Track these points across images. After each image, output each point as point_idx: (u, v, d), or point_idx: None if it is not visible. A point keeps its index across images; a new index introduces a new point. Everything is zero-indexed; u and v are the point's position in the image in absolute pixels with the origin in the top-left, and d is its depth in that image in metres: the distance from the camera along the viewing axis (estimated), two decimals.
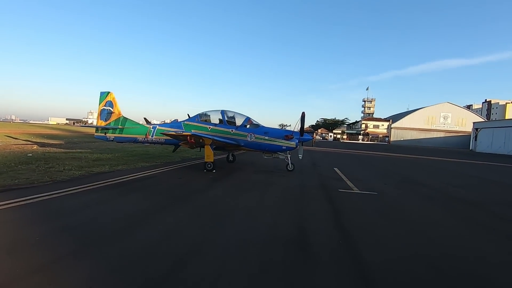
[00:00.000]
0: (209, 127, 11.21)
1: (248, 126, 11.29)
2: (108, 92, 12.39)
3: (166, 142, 11.51)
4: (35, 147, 16.99)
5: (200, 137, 9.41)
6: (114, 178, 7.89)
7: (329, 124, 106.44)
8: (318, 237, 4.21)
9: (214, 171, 10.00)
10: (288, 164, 11.18)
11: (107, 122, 12.33)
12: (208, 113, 11.65)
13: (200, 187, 7.38)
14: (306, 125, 11.27)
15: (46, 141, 22.10)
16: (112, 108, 12.29)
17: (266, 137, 10.83)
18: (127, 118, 12.28)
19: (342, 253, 3.67)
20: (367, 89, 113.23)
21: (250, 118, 11.55)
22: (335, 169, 12.83)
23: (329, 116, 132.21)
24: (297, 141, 10.88)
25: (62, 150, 15.46)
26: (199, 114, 11.60)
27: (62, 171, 8.53)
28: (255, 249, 3.67)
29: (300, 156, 11.14)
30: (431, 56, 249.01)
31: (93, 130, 14.55)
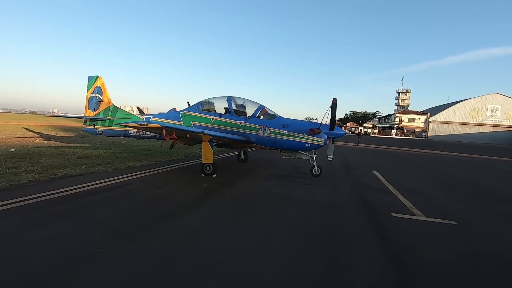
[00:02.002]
0: (212, 118, 8.81)
1: (261, 117, 8.73)
2: (97, 77, 10.41)
3: (161, 137, 9.28)
4: (37, 140, 15.80)
5: (184, 131, 6.92)
6: (71, 186, 5.76)
7: (359, 118, 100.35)
8: None
9: (215, 175, 7.62)
10: (314, 167, 8.50)
11: (96, 112, 10.39)
12: (212, 101, 9.24)
13: (180, 205, 4.99)
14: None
15: (60, 133, 21.17)
16: (101, 96, 10.31)
17: (284, 132, 8.21)
18: (118, 108, 10.26)
19: None
20: (402, 79, 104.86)
21: (264, 106, 8.98)
22: (375, 173, 9.91)
23: (358, 109, 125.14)
24: (326, 137, 8.16)
25: (61, 144, 13.95)
26: (201, 102, 9.23)
27: (19, 174, 6.62)
28: None
29: (330, 157, 8.41)
30: (472, 45, 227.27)
31: None
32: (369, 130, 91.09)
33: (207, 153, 7.60)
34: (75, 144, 13.69)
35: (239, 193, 6.01)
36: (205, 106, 9.15)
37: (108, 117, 10.10)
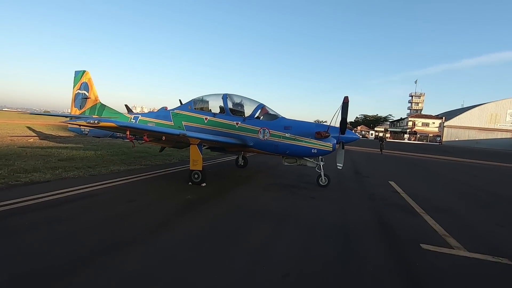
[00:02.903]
0: (206, 118, 7.76)
1: (261, 117, 7.62)
2: (84, 72, 9.52)
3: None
4: (32, 139, 15.11)
5: (153, 132, 5.78)
6: (24, 197, 4.78)
7: (370, 121, 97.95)
8: None
9: (204, 184, 6.55)
10: (321, 176, 7.32)
11: (82, 110, 9.50)
12: (206, 99, 8.19)
13: (142, 229, 3.90)
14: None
15: (60, 133, 20.57)
16: (88, 92, 9.41)
17: (287, 134, 7.07)
18: (105, 106, 9.33)
19: None
20: (415, 82, 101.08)
21: (264, 105, 7.88)
22: (392, 183, 8.64)
23: (369, 112, 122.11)
24: (335, 142, 6.99)
25: (52, 144, 13.15)
26: (193, 100, 8.18)
27: None
28: None
29: (340, 165, 7.20)
30: (488, 47, 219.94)
31: None
32: (381, 134, 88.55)
33: (195, 159, 6.54)
34: (67, 145, 12.87)
35: (227, 209, 4.90)
36: (198, 105, 8.11)
37: (94, 116, 9.17)
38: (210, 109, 8.00)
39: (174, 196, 5.49)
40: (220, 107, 7.87)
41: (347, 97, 6.93)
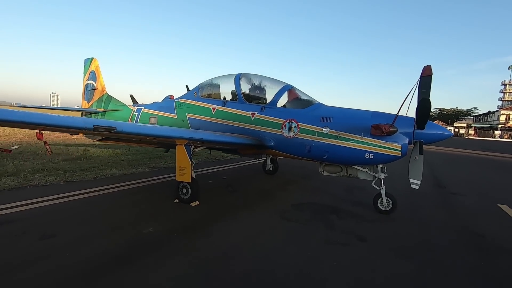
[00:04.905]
0: (214, 108, 5.67)
1: (285, 104, 5.21)
2: (91, 59, 8.37)
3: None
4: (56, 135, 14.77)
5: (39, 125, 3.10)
6: None
7: (448, 116, 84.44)
8: None
9: (196, 202, 4.48)
10: (381, 196, 4.56)
11: (90, 103, 8.37)
12: (215, 82, 6.09)
13: None
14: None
15: None
16: (95, 83, 8.22)
17: (325, 129, 4.52)
18: (111, 97, 8.00)
19: None
20: (508, 68, 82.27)
21: (293, 87, 5.43)
22: (504, 208, 5.31)
23: (446, 106, 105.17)
24: (407, 141, 4.18)
25: (79, 141, 12.69)
26: (200, 85, 6.17)
27: None
28: None
29: (415, 182, 4.27)
30: None
31: None
32: (462, 131, 75.29)
33: (184, 165, 4.48)
34: (95, 142, 12.27)
35: (200, 265, 2.71)
36: (206, 91, 6.06)
37: (100, 109, 7.92)
38: (220, 96, 5.89)
39: (129, 226, 3.50)
40: (232, 92, 5.69)
41: (429, 67, 4.11)
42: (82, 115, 8.51)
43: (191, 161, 4.48)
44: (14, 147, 9.34)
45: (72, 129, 2.81)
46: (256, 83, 5.63)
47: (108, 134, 3.22)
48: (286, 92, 5.26)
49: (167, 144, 5.18)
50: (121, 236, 3.23)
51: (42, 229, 3.28)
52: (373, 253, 3.16)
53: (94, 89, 8.19)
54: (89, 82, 8.37)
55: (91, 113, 8.13)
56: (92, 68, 8.29)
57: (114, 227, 3.46)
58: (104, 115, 7.85)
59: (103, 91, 8.11)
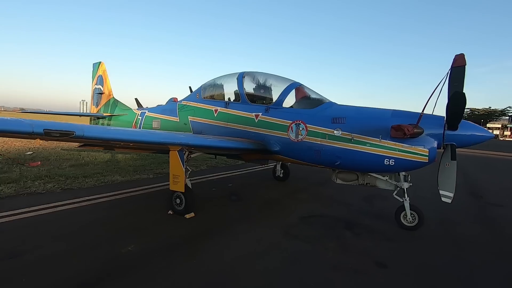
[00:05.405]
0: (216, 110, 5.23)
1: (293, 104, 4.66)
2: (99, 63, 8.27)
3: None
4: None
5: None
6: None
7: (479, 116, 79.20)
8: None
9: (191, 214, 4.02)
10: (405, 210, 3.87)
11: (98, 108, 8.25)
12: (218, 82, 5.65)
13: None
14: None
15: None
16: (102, 87, 8.10)
17: (335, 132, 3.92)
18: (118, 101, 7.83)
19: None
20: None
21: (301, 85, 4.87)
22: None
23: (477, 106, 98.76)
24: (436, 144, 3.48)
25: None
26: (202, 86, 5.76)
27: None
28: None
29: (447, 195, 3.53)
30: None
31: None
32: (496, 132, 70.29)
33: (176, 173, 4.05)
34: (78, 148, 12.26)
35: None
36: (208, 92, 5.64)
37: (107, 114, 7.76)
38: (223, 97, 5.44)
39: (108, 244, 3.10)
40: (235, 93, 5.22)
41: (462, 55, 3.46)
42: (90, 120, 8.43)
43: (185, 168, 4.05)
44: (29, 153, 9.44)
45: (17, 134, 2.37)
46: (261, 82, 5.12)
47: (67, 140, 2.81)
48: (293, 91, 4.72)
49: (162, 150, 4.78)
50: (96, 256, 2.83)
51: (12, 246, 2.95)
52: (394, 285, 2.52)
53: (101, 94, 8.08)
54: (97, 86, 8.27)
55: (98, 118, 8.00)
56: (100, 72, 8.20)
57: (92, 245, 3.07)
58: (111, 120, 7.68)
59: (110, 95, 7.97)
